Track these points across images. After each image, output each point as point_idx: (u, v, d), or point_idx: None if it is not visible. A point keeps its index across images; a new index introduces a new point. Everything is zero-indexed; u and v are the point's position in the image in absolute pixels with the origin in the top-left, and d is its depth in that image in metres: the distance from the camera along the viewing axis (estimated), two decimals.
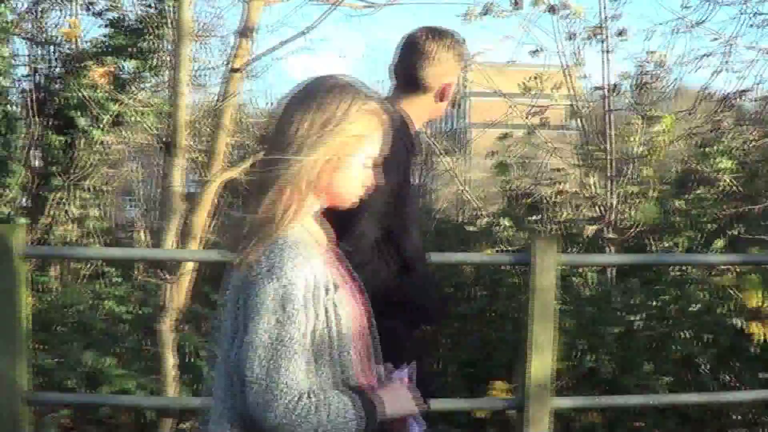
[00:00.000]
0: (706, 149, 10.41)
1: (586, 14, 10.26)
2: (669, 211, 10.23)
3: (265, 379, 2.54)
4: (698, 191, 10.30)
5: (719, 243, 9.65)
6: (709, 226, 10.03)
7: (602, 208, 10.26)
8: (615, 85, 10.43)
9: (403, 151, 3.83)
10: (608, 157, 10.26)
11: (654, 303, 8.50)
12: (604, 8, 10.18)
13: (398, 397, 2.81)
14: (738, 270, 8.52)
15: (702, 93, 10.30)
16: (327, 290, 2.66)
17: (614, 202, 10.12)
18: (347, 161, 2.75)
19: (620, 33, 10.27)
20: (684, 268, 9.10)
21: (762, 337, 7.58)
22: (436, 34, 4.04)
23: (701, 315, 8.25)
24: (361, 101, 2.74)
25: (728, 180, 9.90)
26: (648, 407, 7.50)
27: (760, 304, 7.74)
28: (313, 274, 2.62)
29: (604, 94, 10.40)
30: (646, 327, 8.25)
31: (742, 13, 9.64)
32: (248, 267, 2.62)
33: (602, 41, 10.20)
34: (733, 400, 7.57)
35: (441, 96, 4.07)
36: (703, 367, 7.95)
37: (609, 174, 10.23)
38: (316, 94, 2.72)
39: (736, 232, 9.86)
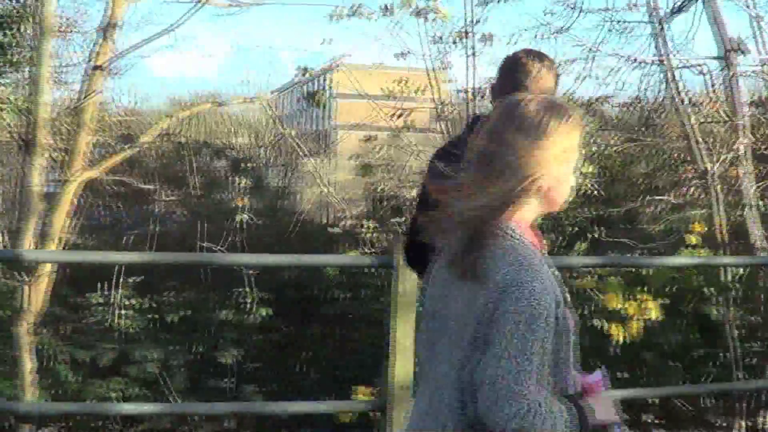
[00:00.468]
0: None
1: (453, 19, 10.31)
2: None
3: (505, 388, 2.65)
4: None
5: (580, 245, 9.79)
6: (570, 228, 10.16)
7: None
8: (479, 89, 10.49)
9: None
10: None
11: None
12: (471, 13, 10.24)
13: (604, 405, 2.95)
14: (599, 272, 8.65)
15: (565, 99, 10.42)
16: (558, 305, 2.77)
17: None
18: (563, 171, 2.90)
19: (485, 38, 10.35)
20: None
21: (622, 338, 7.71)
22: (537, 55, 4.38)
23: None
24: (567, 116, 2.91)
25: (590, 184, 10.05)
26: None
27: (620, 305, 7.87)
28: (553, 291, 2.75)
29: (468, 98, 10.46)
30: None
31: (605, 21, 9.77)
32: (494, 283, 2.73)
33: (467, 45, 10.27)
34: None
35: None
36: None
37: None
38: (529, 113, 2.88)
39: (597, 235, 10.02)
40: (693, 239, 8.67)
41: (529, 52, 4.44)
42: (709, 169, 8.57)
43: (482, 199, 2.80)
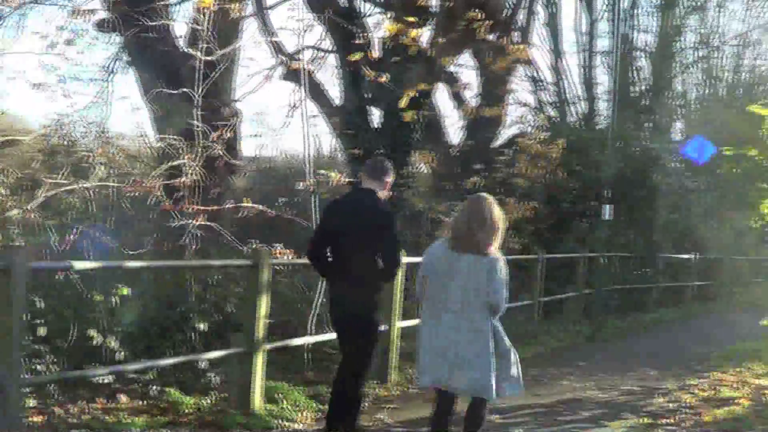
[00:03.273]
0: None
1: None
2: None
3: (502, 293, 7.87)
4: None
5: None
6: None
7: None
8: None
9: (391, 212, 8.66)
10: None
11: None
12: None
13: None
14: None
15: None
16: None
17: None
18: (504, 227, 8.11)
19: None
20: None
21: None
22: (387, 161, 8.63)
23: None
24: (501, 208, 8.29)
25: None
26: None
27: None
28: (505, 259, 8.06)
29: None
30: None
31: None
32: (489, 259, 7.87)
33: None
34: None
35: (386, 187, 8.49)
36: None
37: None
38: (495, 209, 7.98)
39: None
40: None
41: (384, 159, 8.72)
42: None
43: (493, 242, 7.85)
